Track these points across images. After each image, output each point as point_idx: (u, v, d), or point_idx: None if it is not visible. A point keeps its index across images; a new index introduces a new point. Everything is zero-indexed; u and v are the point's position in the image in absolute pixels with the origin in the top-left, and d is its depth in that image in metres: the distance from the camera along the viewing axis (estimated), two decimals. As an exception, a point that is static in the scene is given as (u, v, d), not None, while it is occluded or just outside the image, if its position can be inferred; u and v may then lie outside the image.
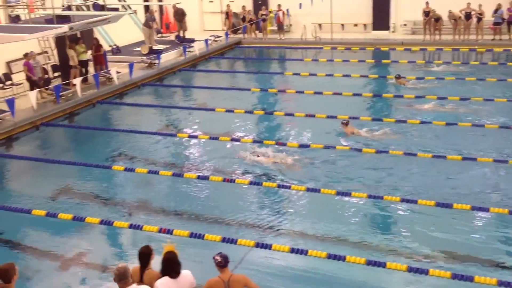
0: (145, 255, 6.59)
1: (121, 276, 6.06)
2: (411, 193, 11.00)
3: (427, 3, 24.00)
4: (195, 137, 14.55)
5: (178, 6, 25.07)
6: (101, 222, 10.27)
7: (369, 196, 10.76)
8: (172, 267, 6.36)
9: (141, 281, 6.54)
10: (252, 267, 8.77)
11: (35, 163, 13.62)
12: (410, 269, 8.35)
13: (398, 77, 18.73)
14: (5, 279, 6.18)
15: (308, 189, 11.17)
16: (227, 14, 27.62)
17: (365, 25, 27.26)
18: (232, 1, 28.52)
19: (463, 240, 9.40)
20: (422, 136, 14.03)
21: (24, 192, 12.21)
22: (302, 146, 13.58)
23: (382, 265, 8.50)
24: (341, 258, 8.66)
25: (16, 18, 19.13)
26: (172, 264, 6.36)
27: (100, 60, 19.77)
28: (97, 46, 19.69)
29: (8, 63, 19.69)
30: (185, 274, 6.46)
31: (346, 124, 14.27)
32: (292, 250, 9.00)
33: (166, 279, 6.35)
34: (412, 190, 11.14)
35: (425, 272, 8.27)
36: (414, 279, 8.33)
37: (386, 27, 26.70)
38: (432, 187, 11.23)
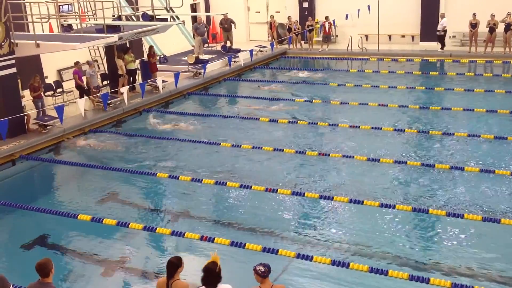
0: (172, 265, 6.48)
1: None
2: (455, 206, 10.80)
3: (474, 14, 23.45)
4: (239, 146, 14.59)
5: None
6: (144, 228, 10.43)
7: (414, 209, 10.59)
8: (209, 279, 6.24)
9: None
10: (292, 278, 8.72)
11: (82, 169, 13.94)
12: (455, 286, 8.15)
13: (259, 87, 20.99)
14: (43, 273, 6.35)
15: (351, 201, 11.06)
16: (271, 25, 27.76)
17: (412, 36, 26.87)
18: (278, 12, 28.62)
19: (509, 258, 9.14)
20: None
21: (71, 197, 12.49)
22: (344, 156, 13.47)
23: (425, 280, 8.32)
24: (383, 272, 8.54)
25: (68, 28, 19.65)
26: (209, 275, 6.24)
27: (154, 68, 20.24)
28: (152, 55, 20.23)
29: (59, 71, 20.30)
30: (224, 287, 6.34)
31: None
32: (334, 263, 8.91)
33: None
34: (454, 202, 10.93)
35: (469, 289, 8.07)
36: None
37: (435, 39, 26.23)
38: (475, 201, 10.97)
